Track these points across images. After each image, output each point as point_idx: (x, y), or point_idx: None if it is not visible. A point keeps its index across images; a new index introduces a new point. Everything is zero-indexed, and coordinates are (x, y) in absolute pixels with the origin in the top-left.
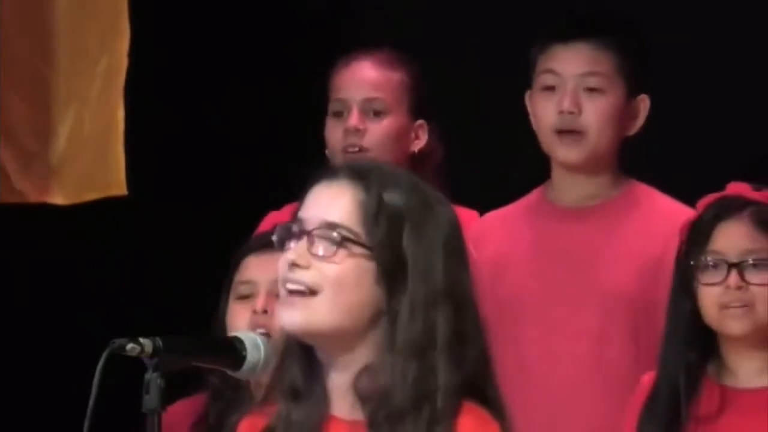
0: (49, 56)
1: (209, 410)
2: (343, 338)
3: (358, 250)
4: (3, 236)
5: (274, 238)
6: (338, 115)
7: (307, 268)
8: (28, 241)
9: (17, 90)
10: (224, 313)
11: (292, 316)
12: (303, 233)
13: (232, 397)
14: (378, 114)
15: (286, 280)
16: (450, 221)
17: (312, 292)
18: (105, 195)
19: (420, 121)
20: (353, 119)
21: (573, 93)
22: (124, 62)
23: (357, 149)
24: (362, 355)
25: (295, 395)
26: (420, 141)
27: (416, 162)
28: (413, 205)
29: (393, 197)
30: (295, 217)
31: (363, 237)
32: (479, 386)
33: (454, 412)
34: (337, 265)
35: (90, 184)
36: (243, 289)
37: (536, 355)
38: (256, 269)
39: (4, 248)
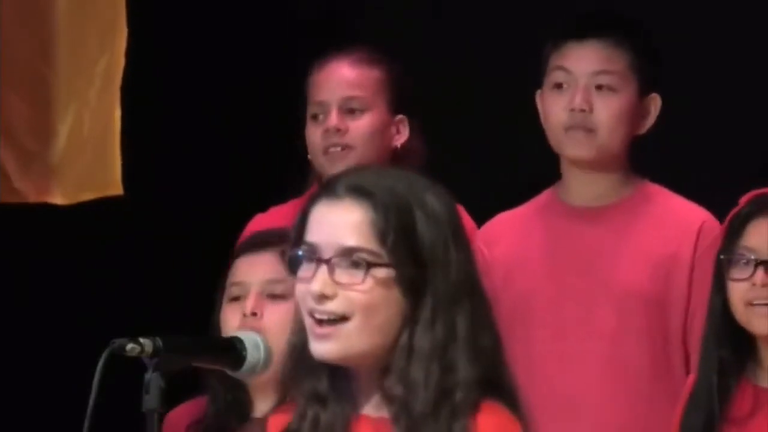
0: (49, 56)
1: (208, 412)
2: (376, 353)
3: (382, 272)
4: (3, 236)
5: (286, 266)
6: (317, 117)
7: (333, 297)
8: (27, 241)
9: (17, 90)
10: (218, 314)
11: (327, 348)
12: (320, 261)
13: (230, 399)
14: (357, 112)
15: (314, 311)
16: (450, 209)
17: (343, 318)
18: (102, 195)
19: (400, 116)
20: (332, 119)
21: (585, 90)
22: (121, 62)
23: (339, 148)
24: (389, 357)
25: (320, 399)
26: (401, 136)
27: (398, 157)
28: (419, 206)
29: (399, 205)
30: (297, 239)
31: (384, 256)
32: (497, 380)
33: (472, 406)
34: (365, 291)
35: (88, 184)
36: (234, 291)
37: (548, 356)
38: (246, 270)
39: (4, 248)
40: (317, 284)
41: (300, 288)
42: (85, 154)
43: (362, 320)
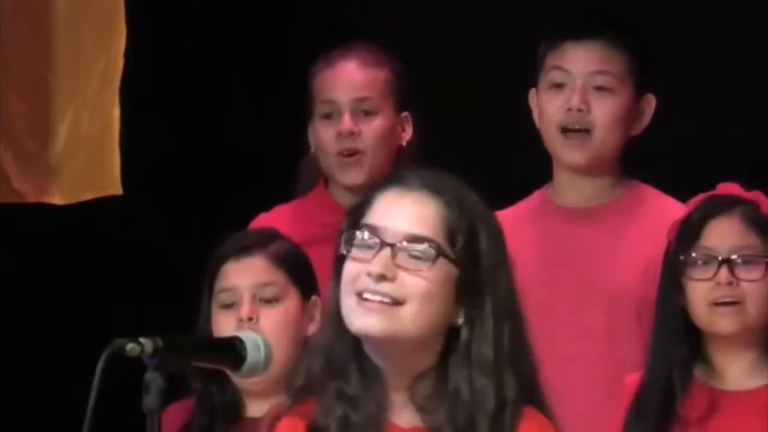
0: (48, 56)
1: (196, 417)
2: (416, 346)
3: (445, 265)
4: (2, 236)
5: (341, 243)
6: (328, 116)
7: (393, 280)
8: (26, 240)
9: (17, 90)
10: (207, 321)
11: (375, 322)
12: (385, 244)
13: (218, 402)
14: (368, 114)
15: (366, 290)
16: (500, 227)
17: (397, 303)
18: (101, 195)
19: (405, 114)
20: (346, 122)
21: (582, 90)
22: (120, 62)
23: (352, 152)
24: (422, 361)
25: (349, 401)
26: (407, 134)
27: (403, 154)
28: (482, 217)
29: (470, 211)
30: (353, 221)
31: (450, 253)
32: (533, 392)
33: (516, 419)
34: (425, 279)
35: (87, 184)
36: (225, 297)
37: (541, 356)
38: (236, 275)
39: (3, 248)
40: (378, 265)
41: (353, 267)
42: (83, 154)
43: (416, 308)
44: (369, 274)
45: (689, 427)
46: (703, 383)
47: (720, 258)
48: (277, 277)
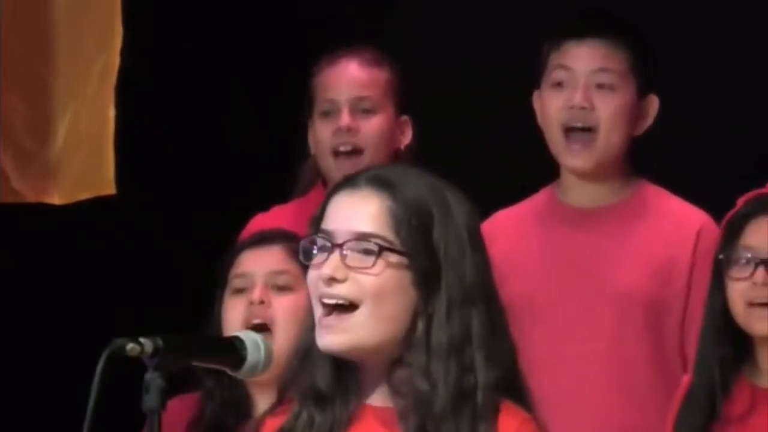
0: (47, 57)
1: (206, 411)
2: (383, 345)
3: (394, 258)
4: (2, 236)
5: (300, 254)
6: (327, 115)
7: (344, 281)
8: (25, 240)
9: (17, 90)
10: (219, 309)
11: (335, 339)
12: (334, 246)
13: (229, 398)
14: (367, 112)
15: (323, 296)
16: (469, 213)
17: (352, 305)
18: (97, 194)
19: (405, 118)
20: (345, 118)
21: (585, 88)
22: (116, 62)
23: (350, 148)
24: (396, 350)
25: (319, 399)
26: (405, 137)
27: (400, 159)
28: (438, 204)
29: (418, 199)
30: (315, 230)
31: (397, 245)
32: (513, 383)
33: (494, 408)
34: (376, 275)
35: (84, 184)
36: (238, 283)
37: (547, 356)
38: (251, 262)
39: (3, 248)
40: (328, 267)
41: (312, 274)
42: (81, 154)
43: (372, 308)
44: (321, 279)
45: (731, 424)
46: (749, 381)
47: (758, 258)
48: (292, 267)
